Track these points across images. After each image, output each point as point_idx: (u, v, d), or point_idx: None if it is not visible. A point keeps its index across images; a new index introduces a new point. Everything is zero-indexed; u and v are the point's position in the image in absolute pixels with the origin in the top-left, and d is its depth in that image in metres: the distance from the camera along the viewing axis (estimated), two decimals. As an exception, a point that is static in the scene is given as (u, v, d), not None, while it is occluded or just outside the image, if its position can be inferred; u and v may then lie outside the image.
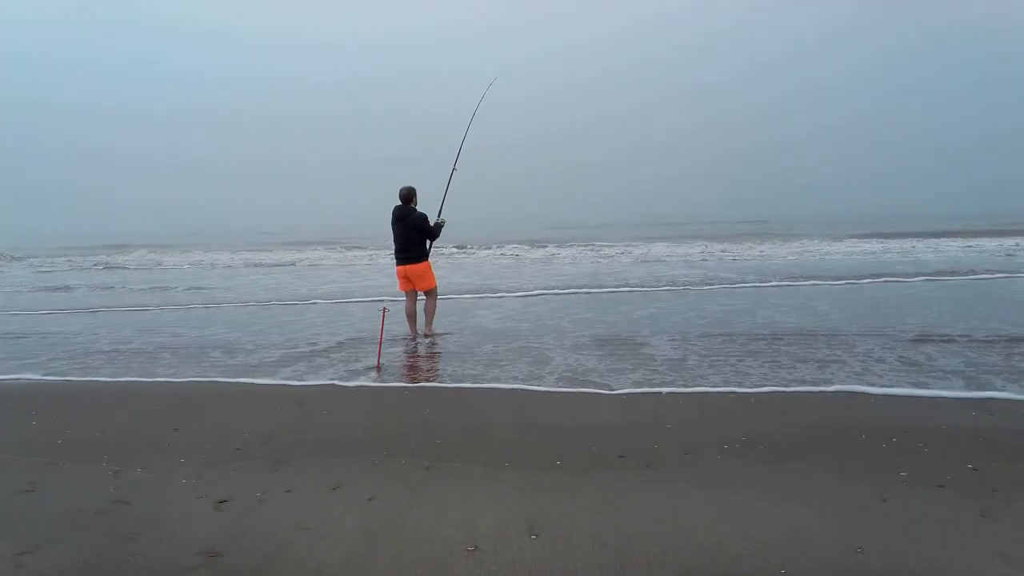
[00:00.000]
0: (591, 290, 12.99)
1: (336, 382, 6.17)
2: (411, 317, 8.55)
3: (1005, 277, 13.44)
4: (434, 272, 8.65)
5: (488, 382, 5.97)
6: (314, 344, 8.17)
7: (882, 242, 24.76)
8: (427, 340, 8.21)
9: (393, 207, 8.34)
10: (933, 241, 24.37)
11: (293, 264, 23.82)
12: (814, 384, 5.55)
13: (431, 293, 8.57)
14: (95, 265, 25.75)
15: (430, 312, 8.55)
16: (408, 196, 8.30)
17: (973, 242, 23.51)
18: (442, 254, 23.91)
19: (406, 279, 8.44)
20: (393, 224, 8.37)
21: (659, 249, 23.94)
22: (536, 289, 13.18)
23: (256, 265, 23.90)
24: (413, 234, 8.27)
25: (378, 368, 6.73)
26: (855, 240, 26.30)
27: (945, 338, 7.31)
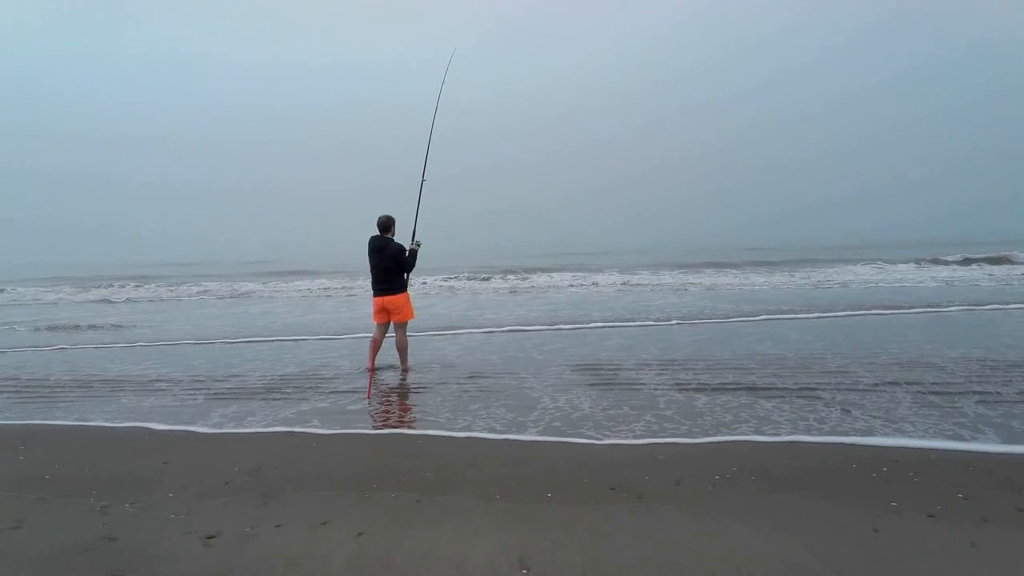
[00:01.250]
0: (582, 325, 12.91)
1: (318, 425, 6.10)
2: (376, 347, 8.25)
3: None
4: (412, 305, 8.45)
5: (471, 430, 5.55)
6: (297, 379, 8.14)
7: (881, 268, 24.69)
8: (405, 374, 8.07)
9: (370, 237, 8.22)
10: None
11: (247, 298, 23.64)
12: (834, 434, 5.05)
13: (404, 327, 8.40)
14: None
15: (403, 348, 8.34)
16: (386, 225, 8.15)
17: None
18: (432, 283, 23.87)
19: (384, 311, 8.26)
20: (370, 255, 8.18)
21: (662, 279, 23.60)
22: (522, 324, 12.99)
23: (243, 295, 23.83)
24: (390, 265, 8.12)
25: (368, 399, 6.71)
26: (843, 265, 26.27)
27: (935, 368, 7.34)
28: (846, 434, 5.05)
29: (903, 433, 5.02)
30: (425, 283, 24.07)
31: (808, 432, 5.14)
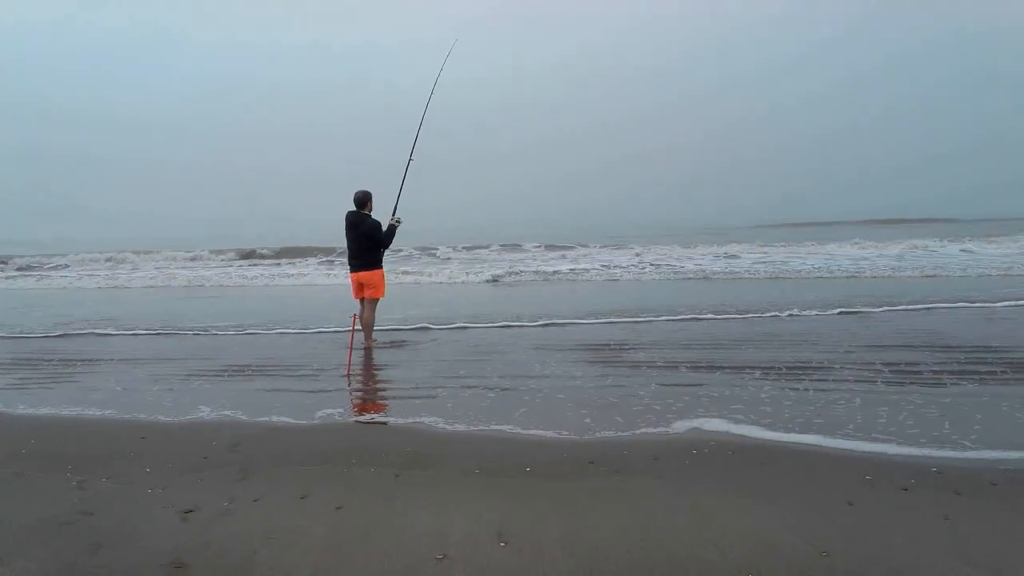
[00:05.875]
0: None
1: (295, 403, 6.07)
2: (356, 323, 8.21)
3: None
4: (386, 281, 8.45)
5: (452, 408, 5.66)
6: (277, 359, 8.10)
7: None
8: (369, 350, 8.06)
9: (347, 212, 8.17)
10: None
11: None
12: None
13: (375, 303, 8.34)
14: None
15: (369, 325, 8.31)
16: (363, 201, 8.08)
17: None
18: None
19: (360, 286, 8.27)
20: (347, 230, 8.16)
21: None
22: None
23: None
24: (366, 241, 8.08)
25: (348, 376, 6.69)
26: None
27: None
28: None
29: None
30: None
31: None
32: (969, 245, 23.03)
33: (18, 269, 26.39)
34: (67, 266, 27.05)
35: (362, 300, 8.36)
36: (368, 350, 8.08)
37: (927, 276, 15.25)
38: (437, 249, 28.52)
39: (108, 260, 28.57)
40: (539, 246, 30.08)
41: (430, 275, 18.50)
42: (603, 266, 20.01)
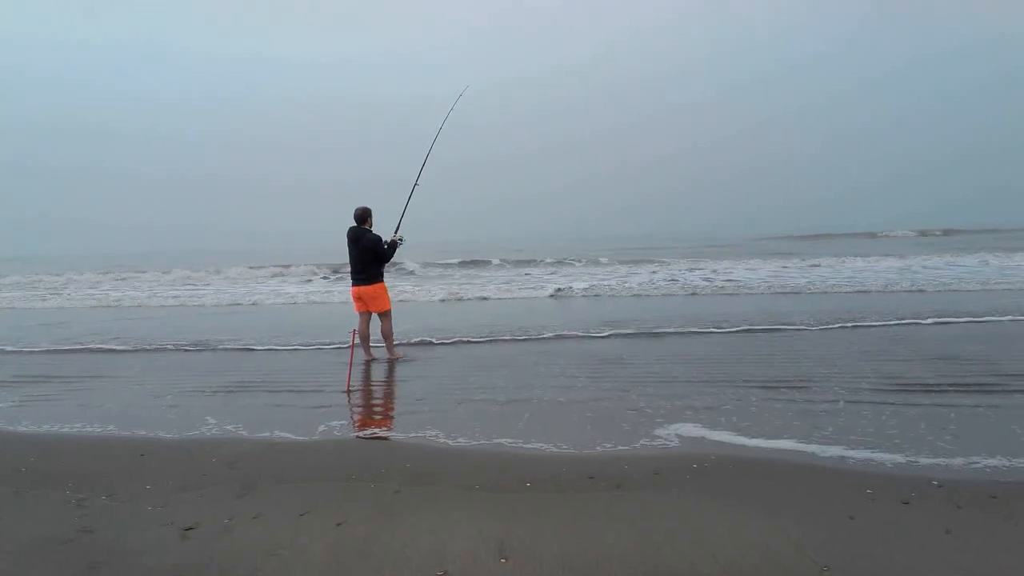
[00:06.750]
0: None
1: (296, 419, 6.06)
2: (365, 339, 8.54)
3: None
4: (390, 294, 8.74)
5: (452, 423, 5.71)
6: (278, 375, 8.09)
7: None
8: (393, 361, 8.35)
9: (348, 228, 8.35)
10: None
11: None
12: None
13: (386, 316, 8.55)
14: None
15: (388, 336, 8.52)
16: (362, 217, 8.31)
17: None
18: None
19: (360, 300, 8.46)
20: (348, 246, 8.37)
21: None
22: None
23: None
24: (366, 256, 8.27)
25: (348, 392, 6.69)
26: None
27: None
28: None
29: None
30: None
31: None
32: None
33: (46, 290, 26.32)
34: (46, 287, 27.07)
35: (367, 315, 8.55)
36: (391, 359, 8.38)
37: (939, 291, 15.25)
38: (413, 268, 28.22)
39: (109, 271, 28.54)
40: (548, 260, 29.83)
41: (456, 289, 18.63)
42: (588, 283, 19.82)
